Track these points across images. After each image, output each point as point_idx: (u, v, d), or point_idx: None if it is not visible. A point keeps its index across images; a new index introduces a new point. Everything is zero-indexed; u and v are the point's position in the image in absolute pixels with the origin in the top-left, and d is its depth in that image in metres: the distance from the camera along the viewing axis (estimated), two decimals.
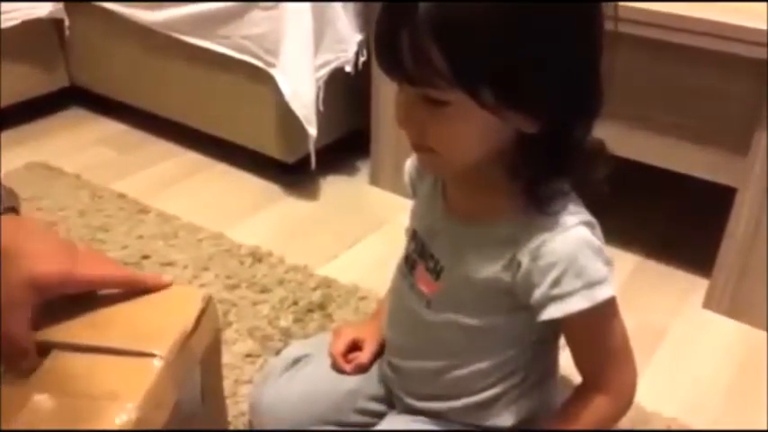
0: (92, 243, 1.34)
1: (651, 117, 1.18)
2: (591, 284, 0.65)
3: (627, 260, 1.33)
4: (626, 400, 0.73)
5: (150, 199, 1.49)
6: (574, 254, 0.65)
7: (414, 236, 0.78)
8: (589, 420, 0.72)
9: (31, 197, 1.46)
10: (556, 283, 0.65)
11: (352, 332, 0.89)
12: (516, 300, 0.69)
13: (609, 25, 0.62)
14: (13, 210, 0.64)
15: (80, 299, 0.67)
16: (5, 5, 1.60)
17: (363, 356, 0.87)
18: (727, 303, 1.22)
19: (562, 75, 0.60)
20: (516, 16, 0.57)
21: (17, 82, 1.69)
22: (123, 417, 0.57)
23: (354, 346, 0.88)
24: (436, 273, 0.74)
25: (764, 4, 1.05)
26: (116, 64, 1.71)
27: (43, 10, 1.67)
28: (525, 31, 0.58)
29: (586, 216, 0.67)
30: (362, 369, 0.87)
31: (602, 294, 0.66)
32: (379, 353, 0.88)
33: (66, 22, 1.72)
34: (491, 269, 0.69)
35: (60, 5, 1.69)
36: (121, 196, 1.49)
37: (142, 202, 1.48)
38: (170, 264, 1.29)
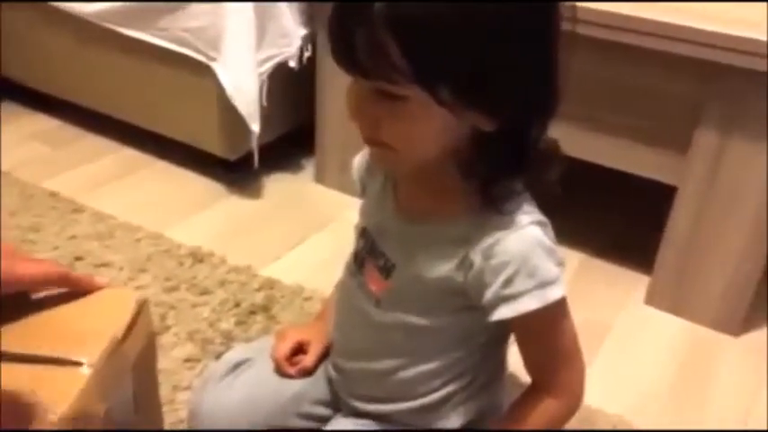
0: (22, 244, 1.27)
1: (595, 117, 1.19)
2: (543, 285, 0.65)
3: (573, 258, 1.34)
4: (575, 401, 0.73)
5: (85, 198, 1.43)
6: (527, 253, 0.64)
7: (363, 233, 0.76)
8: (538, 422, 0.71)
9: None
10: (508, 282, 0.65)
11: (296, 335, 0.87)
12: (467, 300, 0.68)
13: (565, 26, 0.62)
14: None
15: (6, 302, 0.63)
16: None
17: (308, 360, 0.85)
18: (668, 300, 1.23)
19: (521, 74, 0.60)
20: (476, 15, 0.56)
21: None
22: (48, 429, 0.54)
23: (299, 349, 0.86)
24: (387, 271, 0.72)
25: (701, 4, 1.07)
26: (49, 57, 1.64)
27: None
28: (485, 30, 0.57)
29: (539, 216, 0.67)
30: (307, 372, 0.85)
31: (553, 295, 0.65)
32: (325, 355, 0.86)
33: None
34: (443, 268, 0.68)
35: None
36: (53, 195, 1.43)
37: (76, 200, 1.42)
38: (105, 265, 1.24)
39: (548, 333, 0.69)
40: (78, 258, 1.25)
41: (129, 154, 1.61)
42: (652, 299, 1.25)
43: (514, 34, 0.58)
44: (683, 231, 1.17)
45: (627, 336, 1.19)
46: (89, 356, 0.59)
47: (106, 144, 1.64)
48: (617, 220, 1.48)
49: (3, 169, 1.50)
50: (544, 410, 0.71)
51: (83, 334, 0.62)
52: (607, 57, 1.13)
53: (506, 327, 0.70)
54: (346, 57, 0.60)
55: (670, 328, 1.21)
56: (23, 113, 1.75)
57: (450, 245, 0.67)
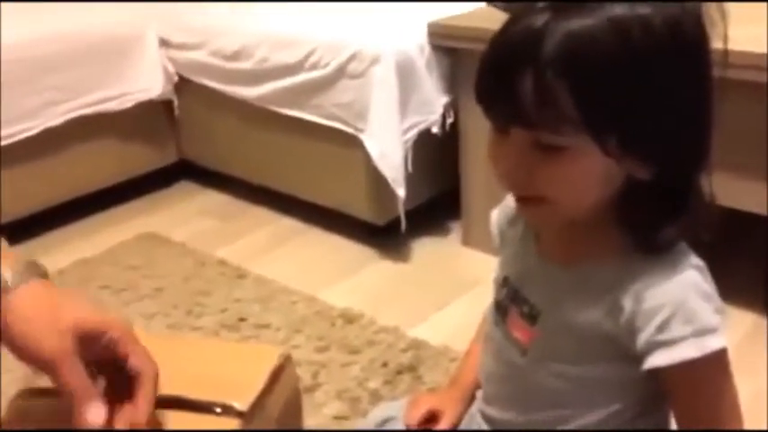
0: (193, 307, 1.39)
1: (747, 163, 1.11)
2: (701, 332, 0.60)
3: (744, 319, 1.23)
4: None
5: (249, 264, 1.54)
6: (682, 297, 0.60)
7: (504, 282, 0.75)
8: None
9: (139, 265, 1.55)
10: (662, 327, 0.60)
11: (428, 402, 0.86)
12: (620, 348, 0.64)
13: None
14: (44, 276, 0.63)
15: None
16: (120, 89, 1.75)
17: (440, 429, 0.84)
18: None
19: (687, 121, 0.59)
20: (645, 60, 0.56)
21: (132, 159, 1.83)
22: None
23: (431, 417, 0.86)
24: (532, 318, 0.70)
25: None
26: (219, 138, 1.82)
27: (155, 92, 1.81)
28: (655, 75, 0.56)
29: (695, 259, 0.63)
30: None
31: (713, 344, 0.60)
32: (458, 422, 0.85)
33: (175, 102, 1.85)
34: (592, 314, 0.65)
35: (170, 87, 1.82)
36: (222, 262, 1.55)
37: (242, 267, 1.53)
38: (265, 326, 1.32)
39: (704, 388, 0.64)
40: (242, 319, 1.35)
41: (288, 223, 1.73)
42: None
43: (683, 79, 0.57)
44: None
45: None
46: (236, 404, 0.64)
47: (268, 215, 1.77)
48: None
49: (179, 241, 1.65)
50: None
51: (226, 384, 0.67)
52: (748, 99, 1.07)
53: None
54: (506, 106, 0.58)
55: None
56: (197, 190, 1.94)
57: (599, 289, 0.64)
